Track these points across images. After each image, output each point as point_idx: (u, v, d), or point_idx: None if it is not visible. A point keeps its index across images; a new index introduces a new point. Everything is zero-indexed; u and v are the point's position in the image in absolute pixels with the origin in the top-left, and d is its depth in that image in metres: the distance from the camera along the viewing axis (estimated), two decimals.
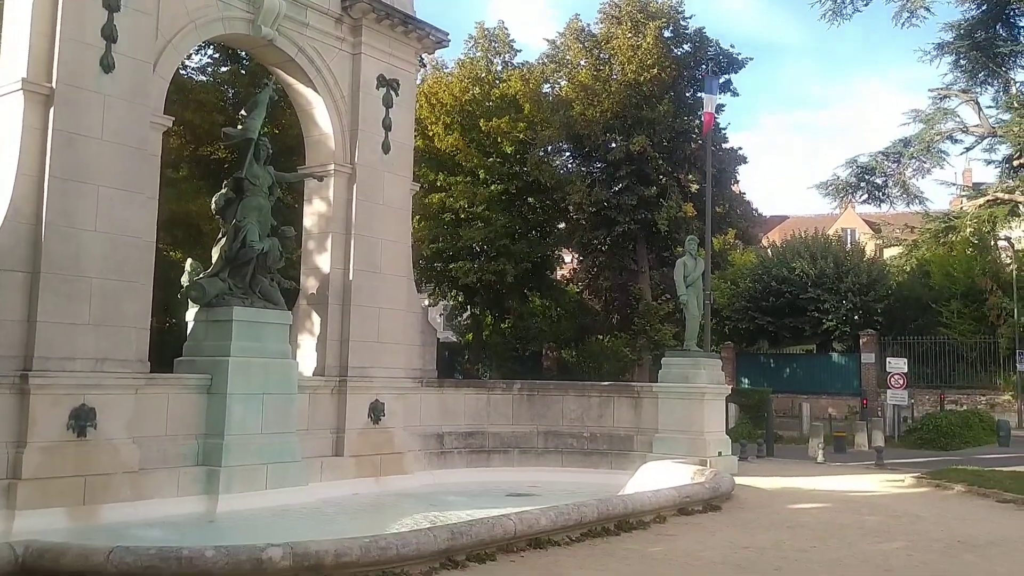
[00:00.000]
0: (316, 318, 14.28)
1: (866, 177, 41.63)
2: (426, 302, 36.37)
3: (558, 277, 34.78)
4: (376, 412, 14.29)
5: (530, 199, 30.66)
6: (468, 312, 34.57)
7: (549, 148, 30.59)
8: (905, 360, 25.43)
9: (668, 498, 10.44)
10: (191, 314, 12.88)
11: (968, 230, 37.42)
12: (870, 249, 40.45)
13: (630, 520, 9.69)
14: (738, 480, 12.83)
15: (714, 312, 35.23)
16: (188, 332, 12.91)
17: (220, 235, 12.97)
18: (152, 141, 11.80)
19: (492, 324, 33.91)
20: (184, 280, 13.48)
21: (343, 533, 10.52)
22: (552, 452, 16.07)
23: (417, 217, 29.94)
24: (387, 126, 14.87)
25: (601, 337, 33.90)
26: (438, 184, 29.67)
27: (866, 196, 42.41)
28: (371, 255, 14.55)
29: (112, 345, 11.03)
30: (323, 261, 14.32)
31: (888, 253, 41.50)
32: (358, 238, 14.35)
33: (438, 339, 41.80)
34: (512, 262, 28.87)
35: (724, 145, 29.16)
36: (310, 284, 14.46)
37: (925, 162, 40.23)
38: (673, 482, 12.71)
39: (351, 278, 14.24)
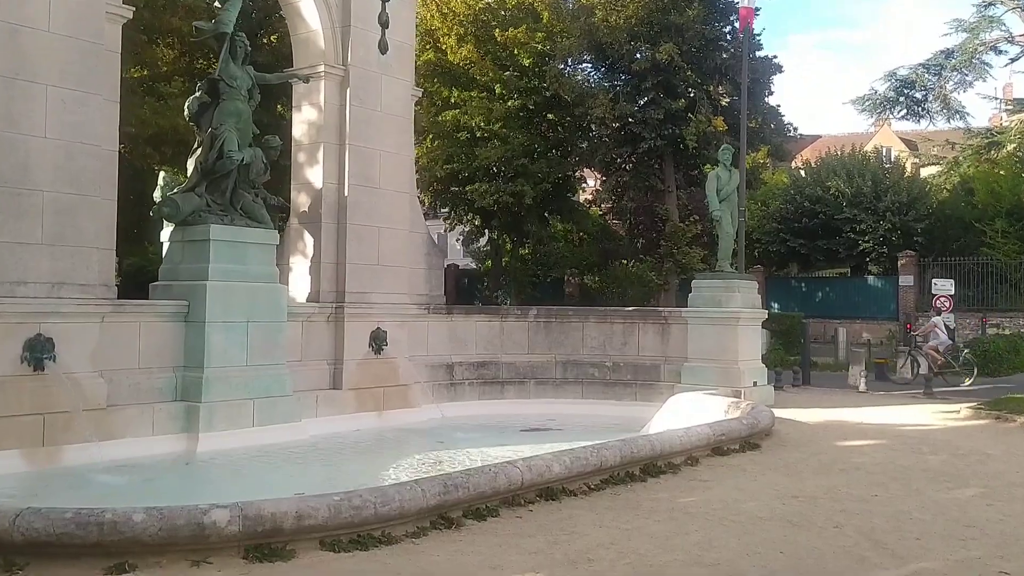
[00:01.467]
0: (308, 239, 12.93)
1: (905, 91, 39.49)
2: (442, 227, 34.96)
3: (580, 200, 33.10)
4: (378, 341, 13.02)
5: (550, 115, 28.84)
6: (486, 237, 33.11)
7: (569, 60, 28.60)
8: (952, 281, 23.86)
9: (701, 436, 9.12)
10: (166, 234, 11.56)
11: (1012, 145, 35.41)
12: (907, 168, 38.38)
13: (658, 463, 8.40)
14: (776, 412, 11.49)
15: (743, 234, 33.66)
16: (164, 254, 11.61)
17: (196, 144, 11.56)
18: (110, 35, 10.29)
19: (511, 249, 32.49)
20: (156, 195, 12.12)
21: (333, 478, 9.37)
22: (571, 383, 14.81)
23: (430, 136, 28.35)
24: (384, 23, 13.16)
25: (625, 262, 32.42)
26: (452, 101, 27.93)
27: (905, 112, 40.34)
28: (368, 168, 13.09)
29: (70, 267, 9.74)
30: (315, 175, 12.89)
31: (925, 172, 39.52)
32: (353, 149, 12.88)
33: (455, 265, 40.78)
34: (531, 183, 27.25)
35: (758, 53, 27.06)
36: (301, 201, 13.07)
37: (967, 75, 37.96)
38: (705, 416, 11.40)
39: (346, 194, 12.82)
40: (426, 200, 29.47)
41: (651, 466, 8.28)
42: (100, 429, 9.81)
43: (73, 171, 9.80)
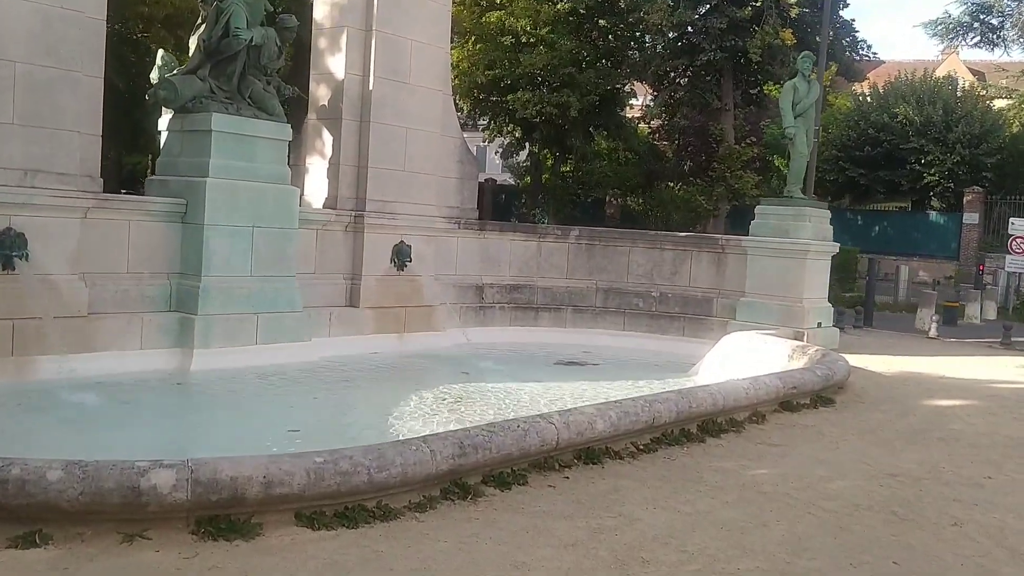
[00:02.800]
0: (327, 137, 11.48)
1: (981, 16, 36.63)
2: (480, 138, 33.25)
3: (628, 116, 31.15)
4: (401, 256, 11.67)
5: (601, 21, 26.76)
6: (526, 151, 31.41)
7: None
8: None
9: (770, 389, 7.72)
10: (164, 122, 10.17)
11: None
12: (980, 99, 35.75)
13: (718, 419, 7.05)
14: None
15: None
16: (161, 145, 10.26)
17: (199, 19, 10.08)
18: None
19: (552, 165, 30.79)
20: (154, 76, 10.68)
21: (335, 411, 8.15)
22: (612, 313, 13.41)
23: (472, 39, 26.49)
24: None
25: (671, 185, 30.65)
26: (496, 1, 25.96)
27: (978, 39, 37.56)
28: (397, 60, 11.53)
29: (46, 153, 8.43)
30: (336, 64, 11.37)
31: (995, 105, 36.85)
32: (381, 37, 11.30)
33: (492, 180, 39.05)
34: (577, 94, 25.40)
35: None
36: (320, 93, 11.58)
37: None
38: (764, 360, 10.01)
39: (371, 88, 11.30)
40: (464, 108, 27.75)
41: (710, 423, 6.93)
42: (79, 340, 8.63)
43: (51, 41, 8.39)
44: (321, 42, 11.51)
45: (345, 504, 4.40)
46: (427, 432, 5.84)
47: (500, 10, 25.66)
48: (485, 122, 29.83)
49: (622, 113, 29.68)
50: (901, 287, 22.92)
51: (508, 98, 26.16)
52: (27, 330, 8.26)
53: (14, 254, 8.20)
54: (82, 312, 8.72)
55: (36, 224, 8.39)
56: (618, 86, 28.13)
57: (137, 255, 9.37)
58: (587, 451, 5.79)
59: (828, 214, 13.02)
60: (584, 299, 13.47)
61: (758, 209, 12.96)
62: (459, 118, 15.90)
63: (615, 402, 6.29)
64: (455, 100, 13.13)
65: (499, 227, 13.53)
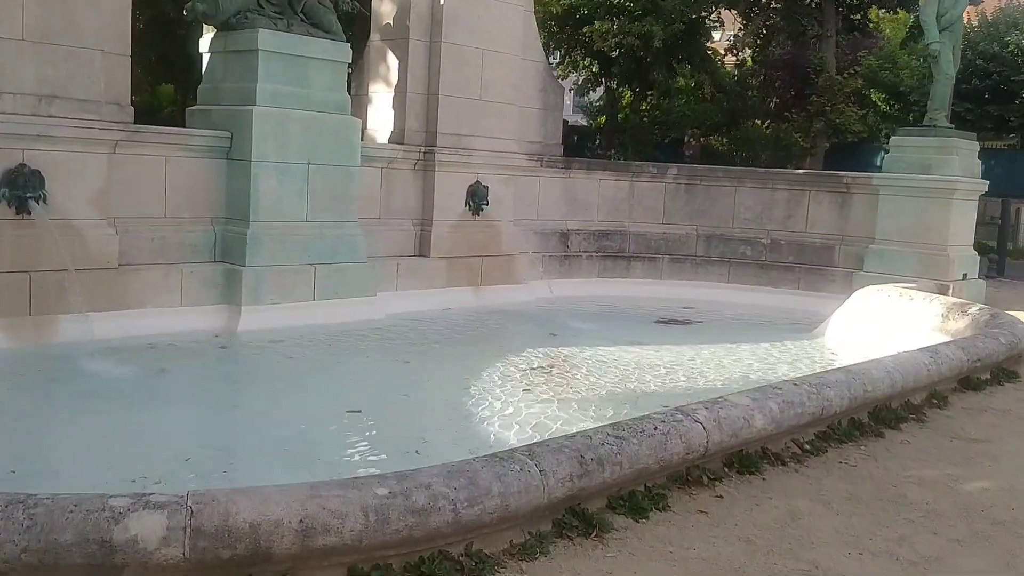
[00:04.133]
0: (393, 61, 9.98)
1: None
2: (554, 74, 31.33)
3: (714, 48, 28.88)
4: (476, 198, 10.19)
5: None
6: (602, 88, 29.45)
7: None
8: None
9: (952, 364, 6.06)
10: (206, 42, 8.78)
11: None
12: None
13: (892, 404, 5.47)
14: None
15: (897, 94, 29.05)
16: (203, 70, 8.89)
17: None
18: None
19: (631, 102, 28.80)
20: None
21: (406, 391, 6.77)
22: (715, 262, 11.78)
23: None
24: None
25: (759, 122, 28.44)
26: None
27: None
28: None
29: (64, 76, 7.12)
30: None
31: None
32: None
33: (564, 121, 37.19)
34: (661, 22, 23.33)
35: None
36: (385, 10, 10.05)
37: None
38: (912, 320, 8.33)
39: (442, 1, 9.74)
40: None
41: (884, 408, 5.35)
42: (108, 296, 7.41)
43: None
44: None
45: (420, 554, 2.99)
46: (524, 435, 4.41)
47: None
48: (558, 58, 27.91)
49: (708, 44, 27.44)
50: (1022, 232, 20.67)
51: (585, 30, 24.24)
52: (46, 285, 7.04)
53: (29, 195, 6.95)
54: (111, 263, 7.48)
55: (54, 160, 7.13)
56: (704, 14, 25.91)
57: (176, 197, 8.08)
58: (740, 456, 4.29)
59: (976, 146, 11.12)
60: (683, 247, 11.85)
61: (893, 140, 11.10)
62: None
63: (772, 388, 4.75)
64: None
65: (586, 165, 11.93)
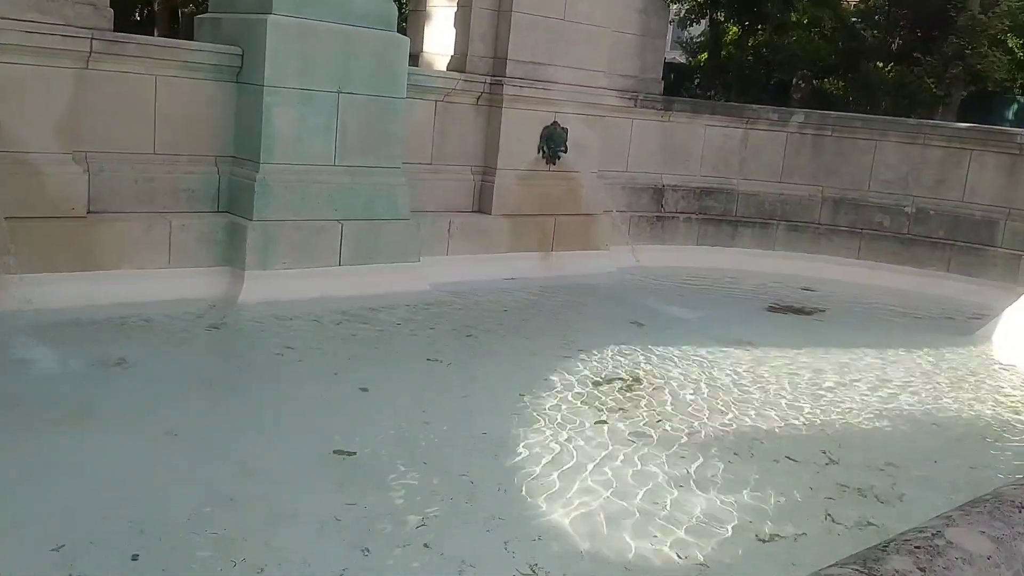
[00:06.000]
0: None
1: None
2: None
3: None
4: (553, 143, 8.26)
5: None
6: (706, 21, 26.68)
7: None
8: None
9: None
10: None
11: None
12: None
13: None
14: None
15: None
16: None
17: None
18: None
19: (737, 39, 26.02)
20: None
21: (447, 388, 4.99)
22: (844, 233, 9.62)
23: None
24: None
25: (880, 65, 25.40)
26: None
27: None
28: None
29: None
30: None
31: None
32: None
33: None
34: None
35: None
36: None
37: None
38: None
39: None
40: None
41: None
42: (71, 252, 5.81)
43: None
44: None
45: None
46: (592, 527, 2.57)
47: None
48: None
49: None
50: None
51: None
52: None
53: None
54: (77, 210, 5.86)
55: (6, 76, 5.49)
56: None
57: (169, 128, 6.39)
58: None
59: None
60: (803, 212, 9.71)
61: None
62: None
63: None
64: None
65: (690, 107, 9.81)
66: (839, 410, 5.27)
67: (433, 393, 4.97)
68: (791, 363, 6.17)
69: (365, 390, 4.85)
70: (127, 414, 4.27)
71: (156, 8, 17.88)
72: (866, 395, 5.60)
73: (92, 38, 5.80)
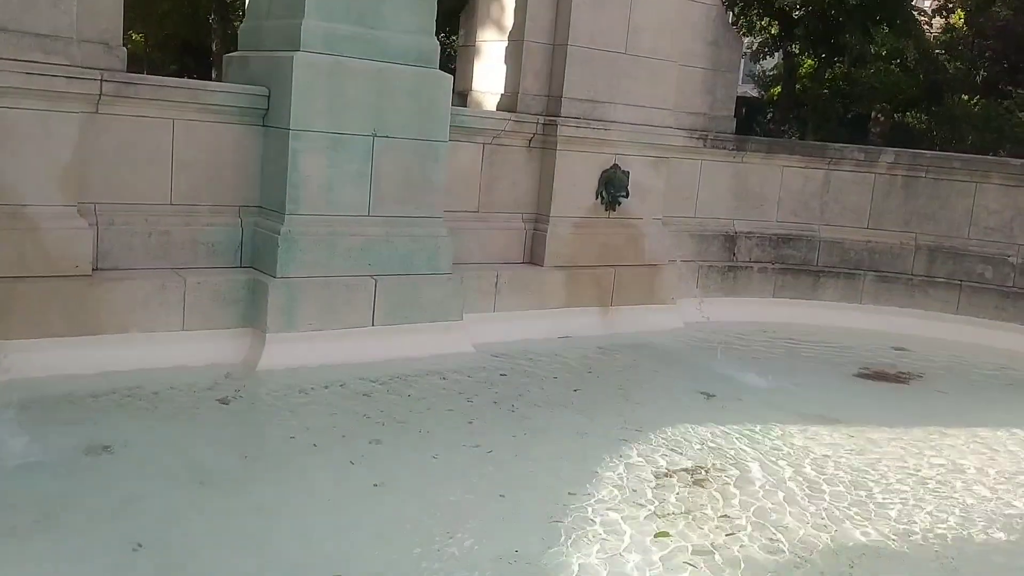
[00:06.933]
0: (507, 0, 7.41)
1: None
2: None
3: (921, 6, 24.66)
4: (613, 188, 7.51)
5: None
6: (780, 53, 25.80)
7: None
8: None
9: None
10: None
11: None
12: None
13: None
14: None
15: None
16: (247, 2, 6.58)
17: None
18: None
19: (815, 71, 25.05)
20: None
21: (476, 486, 4.22)
22: (940, 285, 8.62)
23: None
24: None
25: (966, 98, 24.09)
26: None
27: None
28: None
29: (12, 1, 4.97)
30: None
31: None
32: None
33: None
34: None
35: None
36: None
37: None
38: None
39: None
40: None
41: None
42: (73, 315, 5.25)
43: None
44: None
45: None
46: None
47: None
48: (731, 17, 24.47)
49: (913, 4, 23.31)
50: None
51: None
52: None
53: None
54: (81, 268, 5.31)
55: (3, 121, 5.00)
56: None
57: (188, 176, 5.84)
58: None
59: None
60: (894, 261, 8.74)
61: None
62: None
63: None
64: None
65: (766, 146, 8.96)
66: (955, 517, 4.35)
67: (461, 490, 4.21)
68: (889, 447, 5.26)
69: (381, 486, 4.13)
70: (95, 518, 3.62)
71: (214, 49, 17.79)
72: (986, 495, 4.66)
73: (102, 79, 5.29)
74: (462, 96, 7.88)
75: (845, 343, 7.90)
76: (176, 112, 5.70)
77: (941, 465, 5.06)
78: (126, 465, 4.16)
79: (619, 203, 7.52)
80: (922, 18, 24.37)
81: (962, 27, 23.91)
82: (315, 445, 4.58)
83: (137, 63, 19.86)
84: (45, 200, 5.17)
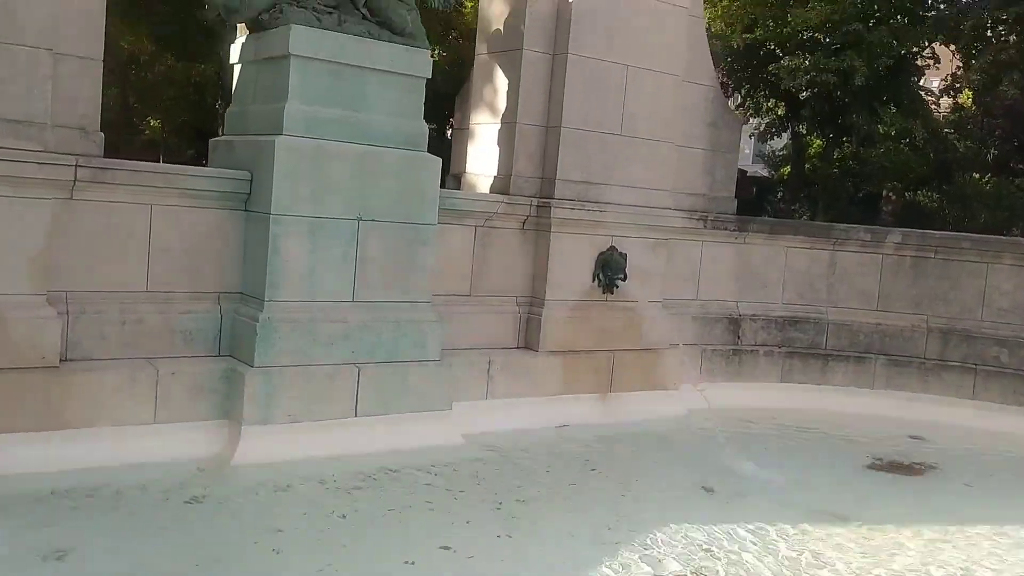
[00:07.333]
0: (501, 81, 7.30)
1: None
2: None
3: (927, 87, 24.75)
4: (610, 270, 7.28)
5: None
6: (788, 133, 25.86)
7: None
8: None
9: None
10: (237, 49, 6.41)
11: None
12: None
13: None
14: None
15: None
16: (233, 87, 6.52)
17: None
18: None
19: (823, 151, 25.05)
20: None
21: None
22: (954, 369, 8.28)
23: None
24: None
25: (977, 176, 23.95)
26: None
27: None
28: None
29: None
30: None
31: None
32: None
33: (743, 171, 33.83)
34: (864, 58, 19.67)
35: None
36: (495, 12, 7.42)
37: None
38: None
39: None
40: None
41: None
42: (39, 408, 5.02)
43: None
44: None
45: None
46: None
47: None
48: (739, 98, 24.65)
49: (917, 84, 23.39)
50: None
51: (771, 67, 20.92)
52: None
53: None
54: (48, 359, 5.10)
55: None
56: (915, 49, 21.98)
57: (165, 263, 5.67)
58: None
59: None
60: (906, 344, 8.42)
61: None
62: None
63: None
64: None
65: (768, 227, 8.75)
66: None
67: None
68: (907, 550, 4.89)
69: None
70: None
71: (220, 134, 17.88)
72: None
73: (77, 165, 5.17)
74: (457, 179, 7.77)
75: (856, 430, 7.54)
76: (153, 197, 5.56)
77: (962, 569, 4.68)
78: (78, 573, 3.87)
79: (617, 286, 7.29)
80: (930, 98, 24.42)
81: (971, 106, 23.93)
82: (278, 553, 4.27)
83: (154, 148, 20.10)
84: (11, 288, 4.99)
